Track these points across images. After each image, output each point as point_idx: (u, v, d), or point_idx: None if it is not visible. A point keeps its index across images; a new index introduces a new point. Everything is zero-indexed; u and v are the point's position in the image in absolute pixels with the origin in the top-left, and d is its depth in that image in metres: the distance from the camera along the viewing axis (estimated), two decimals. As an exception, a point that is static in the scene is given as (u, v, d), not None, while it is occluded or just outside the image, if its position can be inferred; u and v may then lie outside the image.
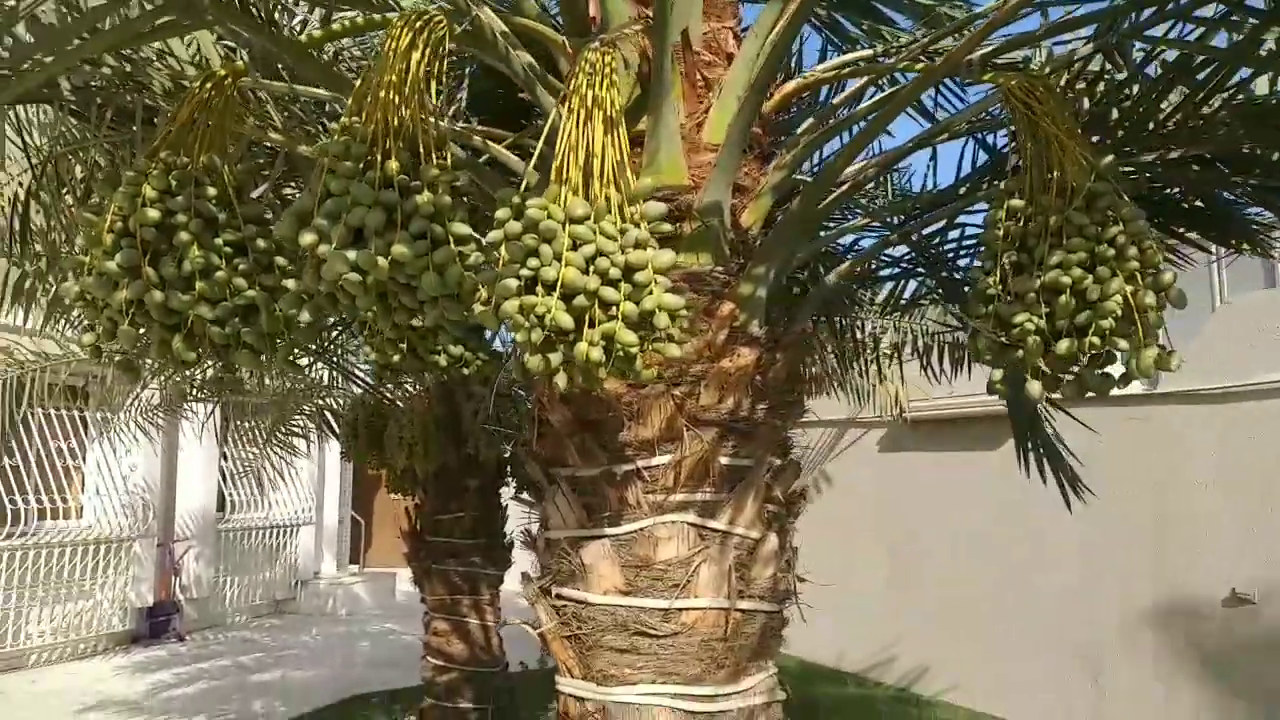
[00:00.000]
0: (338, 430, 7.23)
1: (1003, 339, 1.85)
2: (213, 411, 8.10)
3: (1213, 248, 3.05)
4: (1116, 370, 1.87)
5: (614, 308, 1.53)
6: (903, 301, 4.27)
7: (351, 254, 1.55)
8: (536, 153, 1.65)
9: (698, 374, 2.06)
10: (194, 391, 7.37)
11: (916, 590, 7.41)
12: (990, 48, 2.10)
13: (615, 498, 2.06)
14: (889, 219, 2.93)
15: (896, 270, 4.14)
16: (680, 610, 2.01)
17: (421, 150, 1.66)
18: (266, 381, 6.92)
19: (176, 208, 1.77)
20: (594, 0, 2.23)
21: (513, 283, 1.53)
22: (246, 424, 10.54)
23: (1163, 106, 2.39)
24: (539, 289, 1.52)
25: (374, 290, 1.61)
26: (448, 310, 1.65)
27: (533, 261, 1.52)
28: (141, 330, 1.80)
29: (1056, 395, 1.94)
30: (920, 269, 3.53)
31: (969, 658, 6.93)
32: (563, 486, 2.12)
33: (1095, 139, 2.47)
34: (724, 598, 2.03)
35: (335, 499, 14.13)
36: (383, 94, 1.65)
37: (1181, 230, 3.04)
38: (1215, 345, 6.29)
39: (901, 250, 3.77)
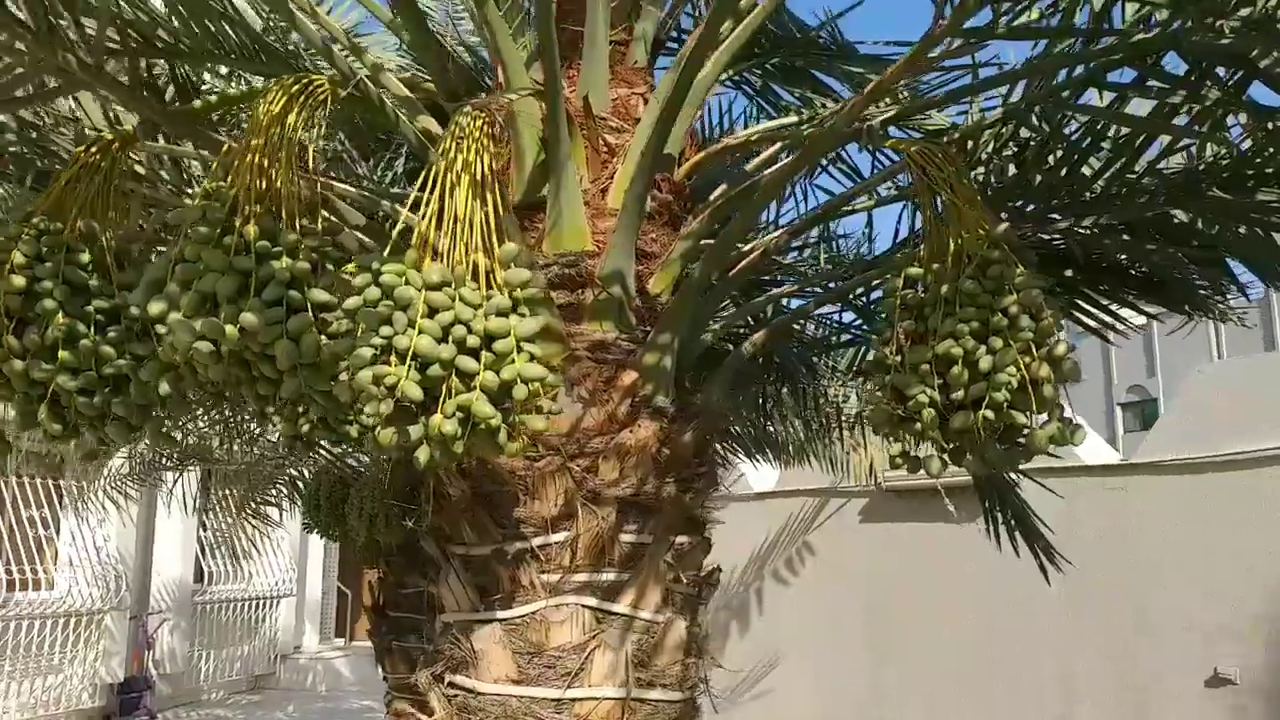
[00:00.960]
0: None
1: (899, 412, 1.77)
2: (179, 480, 7.97)
3: (1155, 312, 2.98)
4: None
5: (474, 379, 1.47)
6: (859, 369, 4.21)
7: (198, 323, 1.49)
8: (401, 219, 1.60)
9: (597, 448, 1.98)
10: (165, 460, 7.28)
11: (899, 662, 7.20)
12: (891, 112, 2.06)
13: (508, 578, 1.97)
14: (824, 285, 2.88)
15: (849, 338, 4.10)
16: (574, 700, 1.90)
17: (286, 216, 1.61)
18: (235, 450, 6.83)
19: (44, 274, 1.72)
20: (499, 67, 2.21)
21: (366, 352, 1.46)
22: (223, 493, 10.46)
23: (1085, 172, 2.35)
24: (393, 358, 1.46)
25: (229, 360, 1.54)
26: (308, 380, 1.58)
27: (385, 329, 1.46)
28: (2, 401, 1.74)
29: (960, 468, 1.86)
30: (872, 335, 3.48)
31: (954, 738, 6.73)
32: (455, 565, 2.03)
33: (1018, 204, 2.43)
34: (619, 687, 1.92)
35: (319, 569, 13.90)
36: (249, 158, 1.61)
37: (1126, 295, 2.99)
38: (1187, 414, 6.20)
39: (853, 318, 3.73)
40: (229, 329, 1.48)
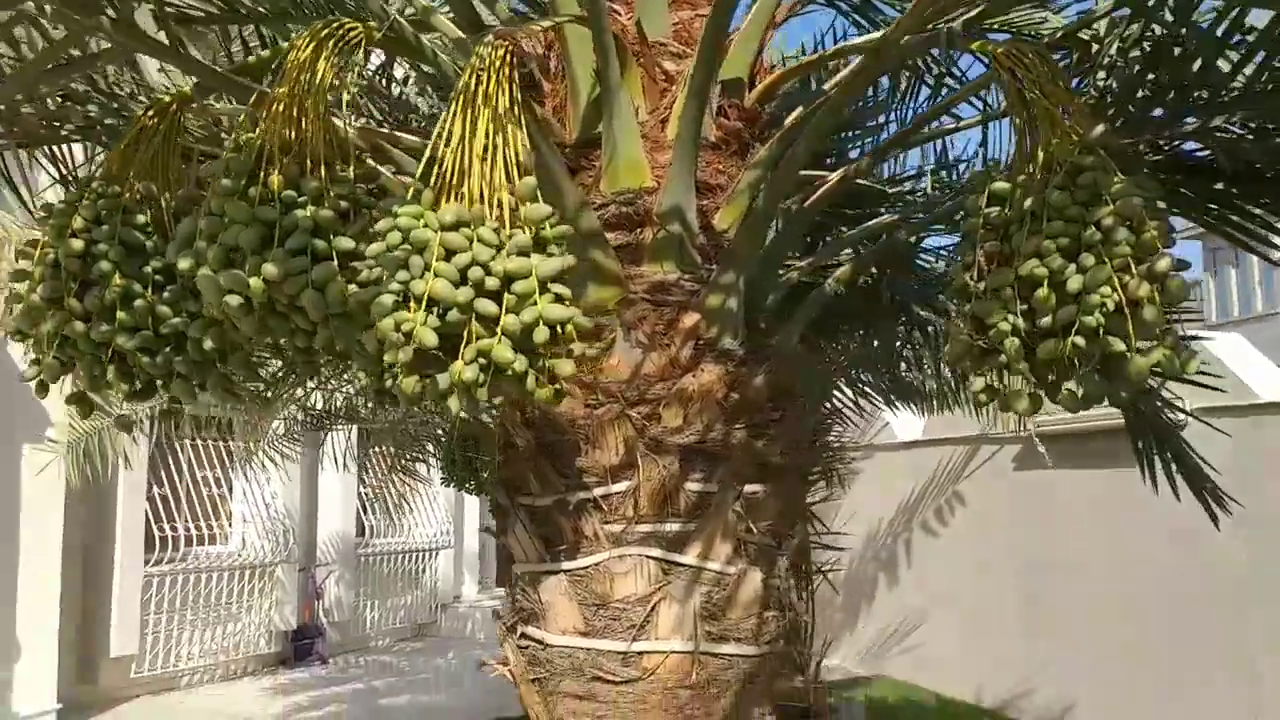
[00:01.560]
0: (444, 457, 7.33)
1: (980, 342, 1.59)
2: (329, 439, 8.37)
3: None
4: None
5: (496, 323, 1.39)
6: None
7: (222, 276, 1.47)
8: (424, 158, 1.53)
9: (659, 394, 1.88)
10: (320, 420, 7.63)
11: (1056, 620, 6.81)
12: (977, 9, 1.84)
13: (571, 528, 1.91)
14: (928, 212, 2.65)
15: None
16: (640, 654, 1.83)
17: (314, 163, 1.57)
18: (379, 410, 7.09)
19: (101, 237, 1.75)
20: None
21: (387, 299, 1.41)
22: (377, 451, 10.97)
23: (1223, 66, 2.05)
24: (411, 304, 1.40)
25: (262, 313, 1.52)
26: (341, 331, 1.55)
27: (402, 274, 1.40)
28: (70, 361, 1.79)
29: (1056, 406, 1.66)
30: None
31: (1119, 698, 6.31)
32: (522, 516, 1.98)
33: (1147, 109, 2.15)
34: (688, 640, 1.83)
35: (476, 521, 14.42)
36: (277, 107, 1.57)
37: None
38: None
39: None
40: (254, 281, 1.46)
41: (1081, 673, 6.67)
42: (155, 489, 8.77)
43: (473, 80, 1.51)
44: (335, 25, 1.66)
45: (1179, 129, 2.08)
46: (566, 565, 1.90)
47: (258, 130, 1.57)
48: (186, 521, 9.08)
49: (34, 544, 7.07)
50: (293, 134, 1.58)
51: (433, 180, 1.46)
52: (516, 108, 1.52)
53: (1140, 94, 2.13)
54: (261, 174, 1.52)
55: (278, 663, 10.23)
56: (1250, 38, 2.05)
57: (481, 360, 1.38)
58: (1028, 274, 1.50)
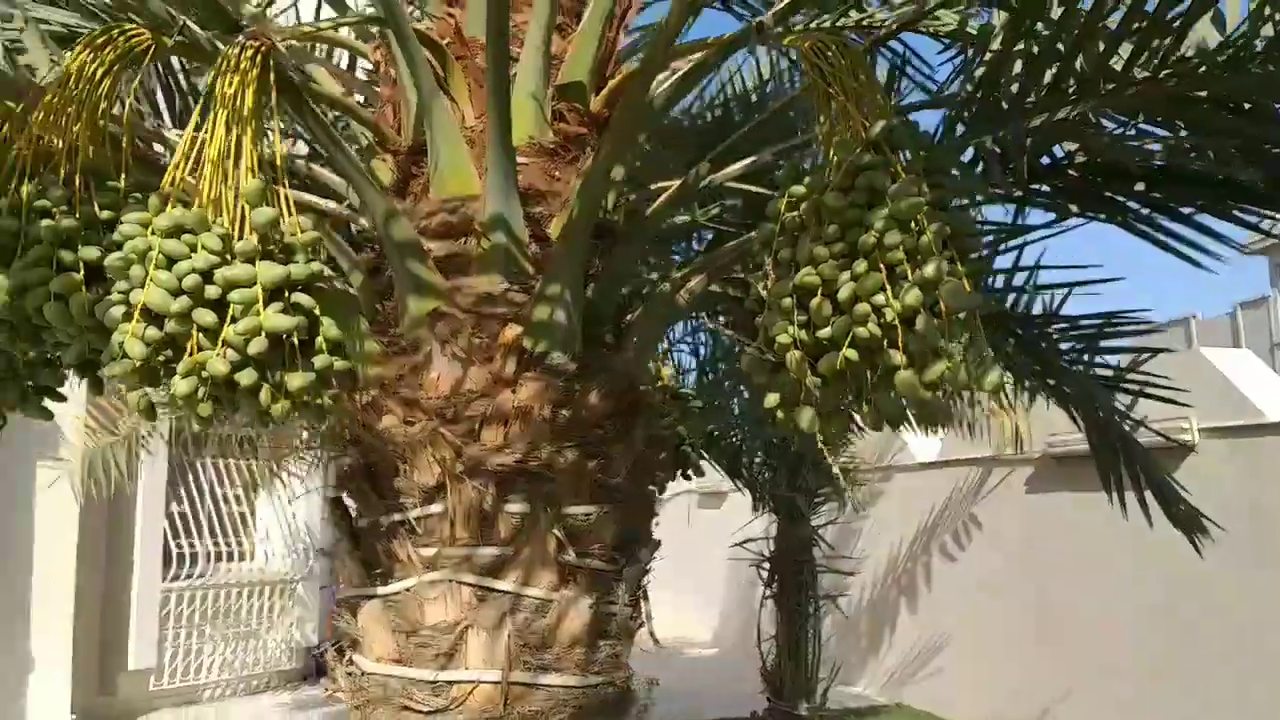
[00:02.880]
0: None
1: (768, 356, 1.48)
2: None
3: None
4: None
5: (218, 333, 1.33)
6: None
7: (-40, 290, 1.43)
8: (172, 164, 1.47)
9: (479, 412, 1.80)
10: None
11: (1075, 646, 6.51)
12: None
13: (386, 552, 1.83)
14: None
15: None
16: (449, 683, 1.74)
17: (86, 172, 1.53)
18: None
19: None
20: None
21: (117, 310, 1.36)
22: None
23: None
24: (135, 314, 1.34)
25: (9, 325, 1.48)
26: (94, 342, 1.50)
27: (122, 284, 1.35)
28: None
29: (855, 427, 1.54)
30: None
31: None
32: (345, 539, 1.91)
33: (1023, 103, 2.01)
34: (499, 670, 1.74)
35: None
36: (43, 114, 1.54)
37: (1233, 208, 2.46)
38: None
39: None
40: (-9, 293, 1.42)
41: (1103, 701, 6.37)
42: (174, 506, 8.91)
43: (218, 82, 1.45)
44: (117, 31, 1.62)
45: (1050, 121, 1.94)
46: (381, 590, 1.82)
47: (18, 137, 1.54)
48: (206, 538, 9.21)
49: (48, 558, 7.22)
50: (59, 141, 1.54)
51: (168, 184, 1.41)
52: (261, 110, 1.46)
53: (1014, 86, 1.99)
54: (12, 184, 1.49)
55: (299, 678, 10.31)
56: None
57: (202, 373, 1.31)
58: (801, 282, 1.39)
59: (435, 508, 1.78)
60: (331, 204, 2.10)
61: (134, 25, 1.64)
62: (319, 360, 1.40)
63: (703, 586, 11.50)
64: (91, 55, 1.57)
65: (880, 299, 1.35)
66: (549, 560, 1.79)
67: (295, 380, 1.36)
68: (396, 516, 1.81)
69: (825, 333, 1.39)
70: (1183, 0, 1.77)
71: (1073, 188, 2.59)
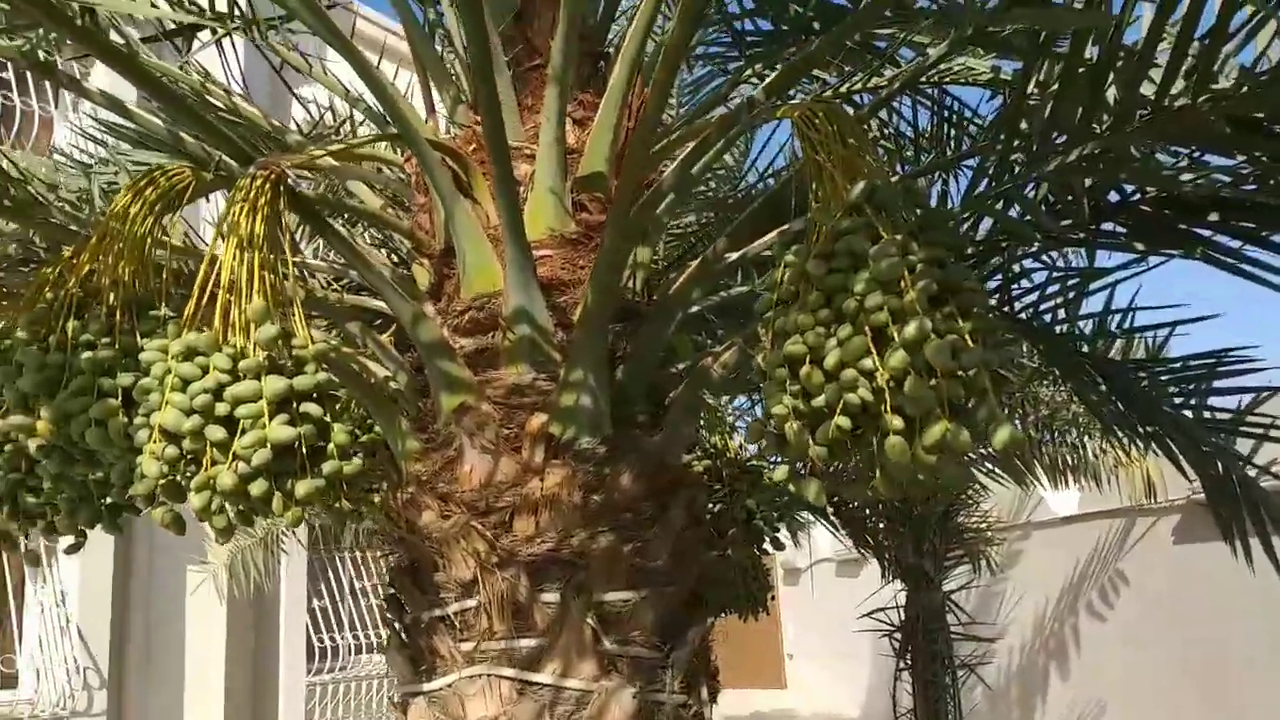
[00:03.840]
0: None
1: (770, 428, 1.45)
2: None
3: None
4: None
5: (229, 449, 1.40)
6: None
7: (13, 420, 1.56)
8: (194, 294, 1.57)
9: (510, 502, 1.82)
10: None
11: (1233, 703, 5.95)
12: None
13: (428, 648, 1.85)
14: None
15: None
16: (493, 780, 1.73)
17: (126, 306, 1.65)
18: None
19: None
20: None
21: (143, 433, 1.45)
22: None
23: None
24: (156, 435, 1.43)
25: (60, 452, 1.60)
26: (135, 463, 1.59)
27: (144, 407, 1.44)
28: None
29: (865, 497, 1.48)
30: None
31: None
32: (395, 637, 1.95)
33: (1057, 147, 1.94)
34: (542, 765, 1.72)
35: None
36: (88, 256, 1.68)
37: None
38: None
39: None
40: (39, 424, 1.54)
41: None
42: (315, 601, 9.26)
43: (233, 211, 1.55)
44: (159, 172, 1.76)
45: (1082, 158, 1.86)
46: (425, 686, 1.84)
47: (64, 277, 1.67)
48: (346, 631, 9.50)
49: (199, 656, 7.60)
50: (103, 279, 1.67)
51: (188, 313, 1.50)
52: (275, 234, 1.55)
53: (1047, 122, 1.92)
54: (61, 320, 1.61)
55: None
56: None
57: (215, 486, 1.38)
58: (789, 351, 1.37)
59: (471, 601, 1.79)
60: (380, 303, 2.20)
61: (176, 166, 1.78)
62: (327, 466, 1.45)
63: (847, 658, 11.12)
64: (135, 196, 1.71)
65: (868, 363, 1.31)
66: (587, 650, 1.77)
67: (302, 488, 1.41)
68: (437, 612, 1.84)
69: (819, 401, 1.36)
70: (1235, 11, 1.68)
71: (1145, 224, 2.46)
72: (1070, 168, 1.86)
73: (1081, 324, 3.04)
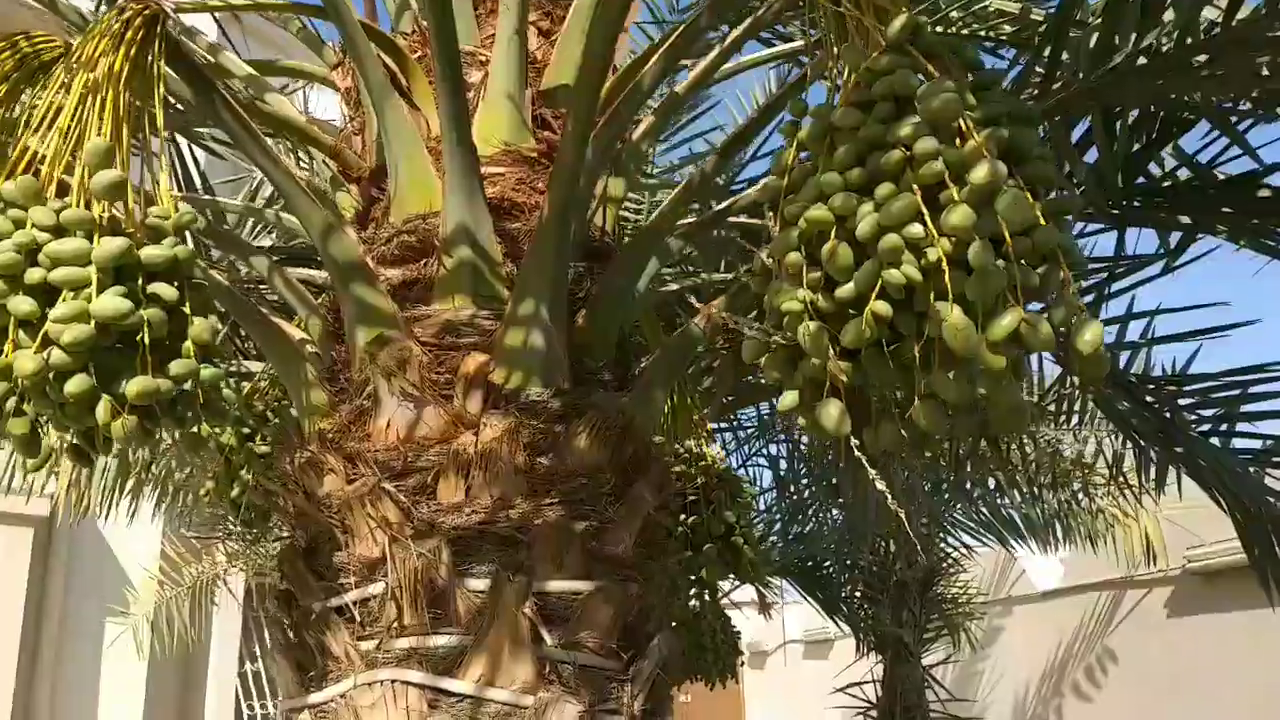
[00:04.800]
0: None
1: (778, 338, 1.09)
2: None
3: None
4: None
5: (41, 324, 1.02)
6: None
7: None
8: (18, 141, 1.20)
9: (435, 461, 1.44)
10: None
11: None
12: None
13: (318, 648, 1.44)
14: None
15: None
16: (390, 821, 1.31)
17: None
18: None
19: None
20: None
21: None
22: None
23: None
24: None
25: None
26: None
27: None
28: None
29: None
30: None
31: None
32: (279, 636, 1.54)
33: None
34: (454, 801, 1.31)
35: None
36: None
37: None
38: None
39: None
40: None
41: None
42: (249, 664, 8.61)
43: (89, 42, 1.20)
44: (21, 36, 1.40)
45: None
46: (312, 698, 1.43)
47: None
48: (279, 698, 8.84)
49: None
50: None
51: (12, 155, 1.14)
52: (142, 81, 1.19)
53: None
54: None
55: None
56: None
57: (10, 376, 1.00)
58: (810, 220, 1.02)
59: (376, 586, 1.39)
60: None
61: (44, 32, 1.43)
62: (177, 365, 1.07)
63: (813, 746, 10.53)
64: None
65: (916, 229, 0.96)
66: (521, 651, 1.37)
67: (135, 385, 1.02)
68: (333, 602, 1.44)
69: (846, 290, 1.00)
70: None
71: (1185, 202, 2.17)
72: (1118, 81, 1.55)
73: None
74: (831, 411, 1.03)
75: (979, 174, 0.92)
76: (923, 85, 1.00)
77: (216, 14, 2.05)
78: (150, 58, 1.21)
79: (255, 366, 2.55)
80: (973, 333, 0.92)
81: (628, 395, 1.60)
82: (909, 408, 1.05)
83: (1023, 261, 0.97)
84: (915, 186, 0.97)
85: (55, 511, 6.83)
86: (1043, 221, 0.98)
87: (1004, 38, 2.14)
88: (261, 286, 2.60)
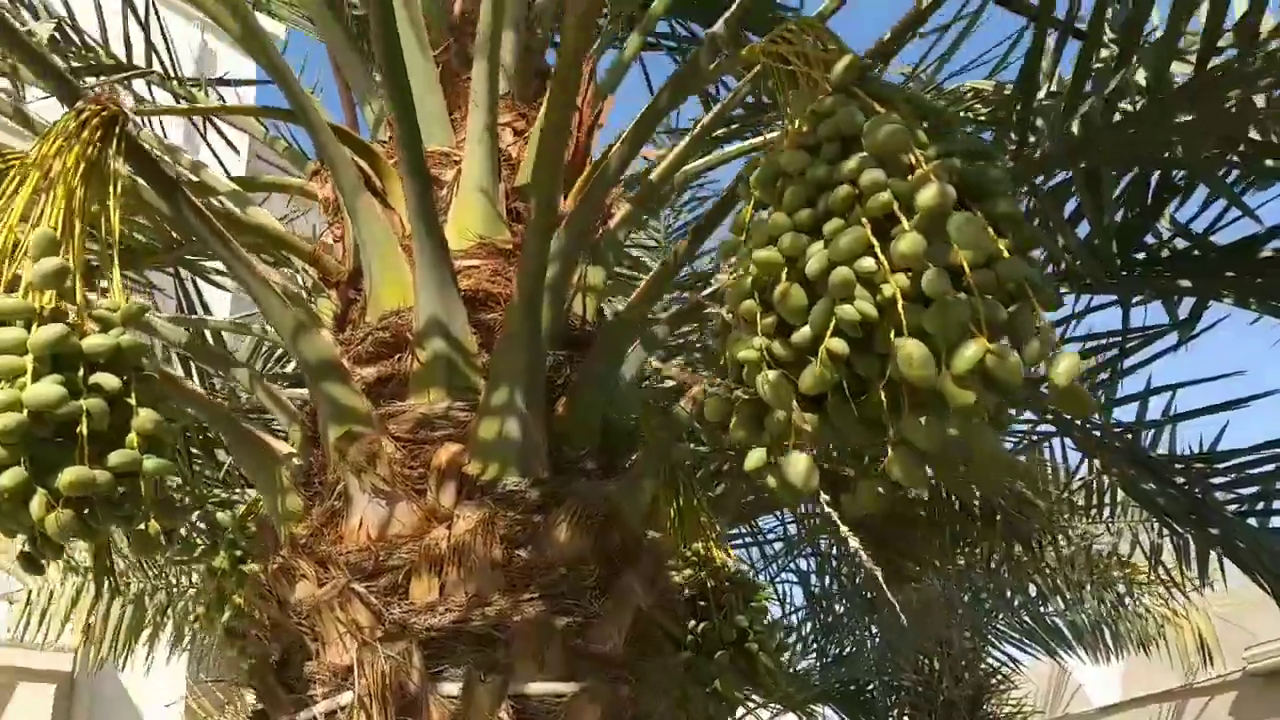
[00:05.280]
0: None
1: (740, 392, 1.04)
2: None
3: None
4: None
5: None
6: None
7: None
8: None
9: (407, 559, 1.38)
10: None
11: None
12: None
13: (288, 766, 1.35)
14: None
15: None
16: None
17: None
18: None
19: None
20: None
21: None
22: None
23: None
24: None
25: None
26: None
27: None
28: None
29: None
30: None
31: None
32: (252, 757, 1.44)
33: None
34: None
35: None
36: None
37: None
38: None
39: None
40: None
41: None
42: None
43: (48, 141, 1.21)
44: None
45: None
46: (281, 822, 1.32)
47: None
48: None
49: None
50: None
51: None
52: (97, 177, 1.20)
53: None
54: None
55: None
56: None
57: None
58: (761, 268, 0.98)
59: (345, 696, 1.31)
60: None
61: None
62: (117, 456, 1.03)
63: None
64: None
65: (867, 262, 0.92)
66: (505, 760, 1.27)
67: (68, 475, 0.98)
68: (302, 715, 1.35)
69: (802, 334, 0.96)
70: None
71: (1187, 267, 2.11)
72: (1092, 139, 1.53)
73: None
74: (798, 466, 0.97)
75: (926, 195, 0.89)
76: (869, 121, 0.98)
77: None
78: (107, 157, 1.22)
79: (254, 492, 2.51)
80: (930, 363, 0.86)
81: (614, 484, 1.53)
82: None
83: (989, 297, 0.92)
84: (865, 220, 0.94)
85: (76, 665, 6.71)
86: (1006, 254, 0.94)
87: (981, 118, 2.15)
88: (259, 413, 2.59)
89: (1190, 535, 2.56)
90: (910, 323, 0.90)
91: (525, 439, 1.43)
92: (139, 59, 2.24)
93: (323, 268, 1.76)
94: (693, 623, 2.18)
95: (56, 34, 2.12)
